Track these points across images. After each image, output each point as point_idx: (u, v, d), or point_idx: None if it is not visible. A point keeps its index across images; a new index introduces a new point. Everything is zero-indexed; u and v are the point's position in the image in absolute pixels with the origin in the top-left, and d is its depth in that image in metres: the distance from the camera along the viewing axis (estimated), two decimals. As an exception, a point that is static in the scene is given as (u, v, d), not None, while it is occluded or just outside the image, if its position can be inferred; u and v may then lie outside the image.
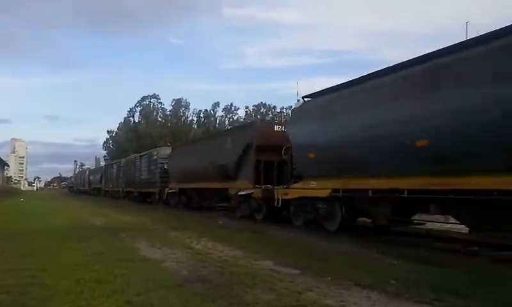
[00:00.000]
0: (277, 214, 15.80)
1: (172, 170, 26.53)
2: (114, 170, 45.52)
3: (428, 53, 9.94)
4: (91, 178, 62.39)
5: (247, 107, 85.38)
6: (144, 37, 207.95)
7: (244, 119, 78.01)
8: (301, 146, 13.50)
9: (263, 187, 15.91)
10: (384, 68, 11.33)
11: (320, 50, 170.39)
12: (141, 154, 35.93)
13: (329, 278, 6.69)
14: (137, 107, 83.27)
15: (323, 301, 5.50)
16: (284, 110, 74.48)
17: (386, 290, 6.04)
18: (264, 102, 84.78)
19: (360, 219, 13.79)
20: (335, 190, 12.01)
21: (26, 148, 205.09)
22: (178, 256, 8.67)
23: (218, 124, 79.84)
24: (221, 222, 15.99)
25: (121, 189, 40.34)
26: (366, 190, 10.89)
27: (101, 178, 53.15)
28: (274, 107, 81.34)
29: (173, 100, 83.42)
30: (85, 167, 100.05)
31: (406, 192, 9.68)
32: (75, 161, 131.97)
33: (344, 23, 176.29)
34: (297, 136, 13.84)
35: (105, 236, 11.72)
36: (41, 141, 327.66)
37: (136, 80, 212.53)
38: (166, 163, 27.99)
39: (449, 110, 8.86)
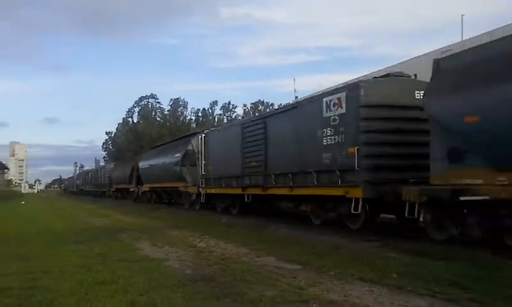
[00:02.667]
0: (142, 198, 35.14)
1: (113, 177, 47.18)
2: (89, 176, 66.68)
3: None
4: (77, 181, 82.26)
5: (245, 105, 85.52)
6: (141, 39, 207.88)
7: (242, 117, 77.84)
8: (142, 171, 33.78)
9: (139, 186, 35.79)
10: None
11: (314, 47, 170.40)
12: (100, 166, 64.63)
13: (332, 273, 6.72)
14: (135, 107, 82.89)
15: (326, 296, 5.51)
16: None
17: (389, 283, 6.07)
18: (261, 100, 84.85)
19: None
20: (150, 188, 31.92)
21: (25, 151, 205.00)
22: (180, 255, 8.69)
23: (216, 122, 79.29)
24: (224, 221, 16.00)
25: (93, 189, 60.66)
26: (157, 188, 30.29)
27: (83, 181, 72.87)
28: (272, 104, 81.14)
29: (171, 99, 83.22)
30: (84, 168, 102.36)
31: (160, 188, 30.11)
32: (75, 163, 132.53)
33: (336, 22, 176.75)
34: (141, 165, 34.43)
35: (105, 236, 11.75)
36: (41, 144, 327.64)
37: (133, 81, 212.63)
38: (111, 173, 48.89)
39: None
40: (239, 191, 17.31)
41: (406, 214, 9.76)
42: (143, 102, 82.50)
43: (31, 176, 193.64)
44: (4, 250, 9.58)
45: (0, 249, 9.80)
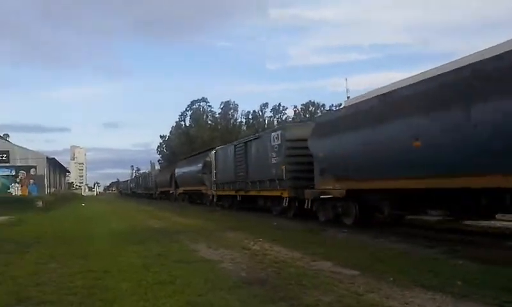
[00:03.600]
0: (178, 199, 42.32)
1: (157, 181, 56.18)
2: (140, 180, 79.09)
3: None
4: (131, 185, 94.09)
5: (295, 107, 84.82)
6: (192, 42, 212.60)
7: (292, 118, 77.38)
8: (178, 177, 41.32)
9: (176, 189, 42.71)
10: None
11: (368, 45, 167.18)
12: (147, 172, 77.68)
13: (391, 279, 6.50)
14: (187, 111, 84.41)
15: (385, 303, 5.33)
16: (333, 108, 73.04)
17: (452, 291, 5.78)
18: (312, 101, 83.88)
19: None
20: (183, 190, 39.61)
21: (85, 155, 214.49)
22: (235, 257, 8.74)
23: (267, 124, 78.93)
24: (275, 223, 15.99)
25: (143, 192, 69.32)
26: (188, 190, 38.22)
27: (135, 185, 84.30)
28: (323, 105, 79.97)
29: (222, 102, 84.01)
30: (141, 171, 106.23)
31: (190, 191, 38.22)
32: (132, 166, 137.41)
33: (389, 18, 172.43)
34: (177, 172, 42.19)
35: (162, 238, 12.02)
36: (100, 147, 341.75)
37: (187, 83, 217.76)
38: (156, 178, 58.57)
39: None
40: (233, 193, 24.23)
41: (305, 206, 16.00)
42: (194, 106, 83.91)
43: (90, 179, 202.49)
44: (68, 250, 10.03)
45: (64, 249, 10.26)
